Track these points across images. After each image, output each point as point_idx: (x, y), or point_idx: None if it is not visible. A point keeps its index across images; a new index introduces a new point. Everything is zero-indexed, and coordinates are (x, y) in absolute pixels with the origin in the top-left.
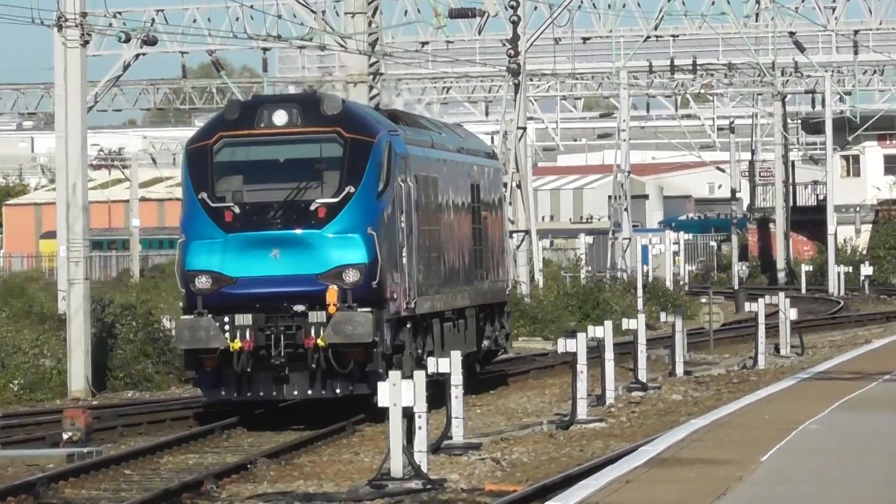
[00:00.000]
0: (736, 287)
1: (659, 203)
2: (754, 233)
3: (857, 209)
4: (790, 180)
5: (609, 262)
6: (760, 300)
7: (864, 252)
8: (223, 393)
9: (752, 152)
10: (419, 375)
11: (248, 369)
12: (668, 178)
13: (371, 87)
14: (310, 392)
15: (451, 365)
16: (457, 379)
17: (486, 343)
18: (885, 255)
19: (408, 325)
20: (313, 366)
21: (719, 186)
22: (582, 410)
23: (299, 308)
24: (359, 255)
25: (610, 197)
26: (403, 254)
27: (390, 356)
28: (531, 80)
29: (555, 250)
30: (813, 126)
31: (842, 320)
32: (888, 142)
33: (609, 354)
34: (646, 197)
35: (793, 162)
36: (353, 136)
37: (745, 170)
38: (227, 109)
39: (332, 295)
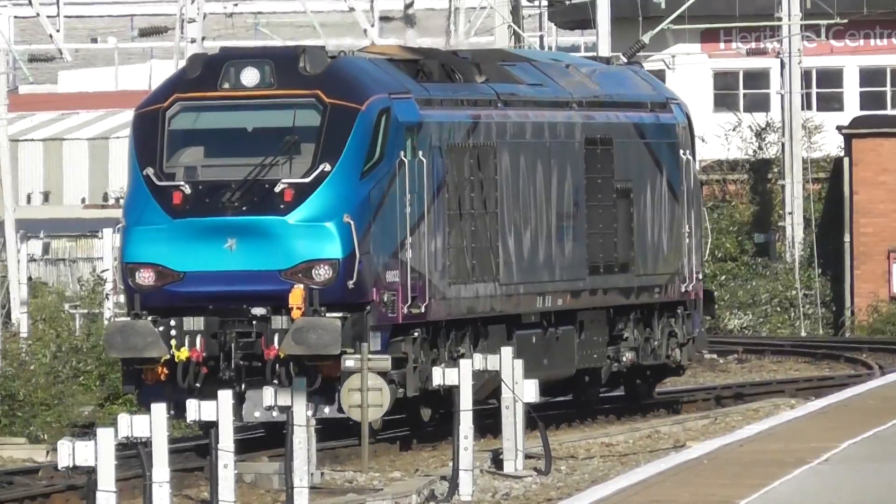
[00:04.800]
0: None
1: None
2: None
3: None
4: None
5: None
6: (463, 363)
7: None
8: (172, 413)
9: None
10: None
11: (198, 384)
12: None
13: None
14: (275, 415)
15: None
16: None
17: (626, 356)
18: (714, 272)
19: (414, 335)
20: (275, 381)
21: None
22: None
23: (259, 311)
24: (331, 248)
25: None
26: (407, 245)
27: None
28: None
29: (52, 262)
30: (567, 13)
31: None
32: (724, 45)
33: (160, 473)
34: None
35: None
36: (335, 102)
37: None
38: (187, 65)
39: (296, 296)
